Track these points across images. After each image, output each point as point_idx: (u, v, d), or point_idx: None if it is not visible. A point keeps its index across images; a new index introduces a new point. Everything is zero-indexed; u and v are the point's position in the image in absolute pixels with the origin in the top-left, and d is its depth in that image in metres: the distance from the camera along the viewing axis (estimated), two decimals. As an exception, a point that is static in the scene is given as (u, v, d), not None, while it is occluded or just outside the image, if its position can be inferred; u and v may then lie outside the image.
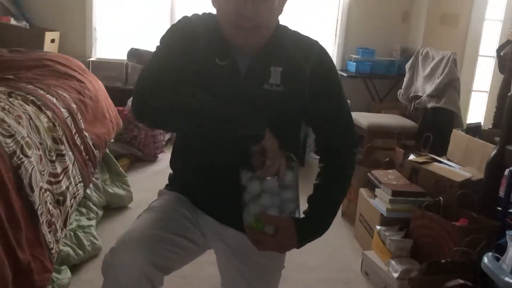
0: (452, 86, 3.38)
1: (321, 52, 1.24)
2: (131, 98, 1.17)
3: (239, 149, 1.11)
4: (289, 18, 4.39)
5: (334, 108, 1.25)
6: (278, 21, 1.22)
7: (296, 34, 1.26)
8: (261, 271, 1.29)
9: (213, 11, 1.22)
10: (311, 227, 1.21)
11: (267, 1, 1.11)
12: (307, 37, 1.26)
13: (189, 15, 1.25)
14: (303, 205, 1.22)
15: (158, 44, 1.21)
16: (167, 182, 1.40)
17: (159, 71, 1.13)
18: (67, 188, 1.96)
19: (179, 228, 1.20)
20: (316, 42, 1.25)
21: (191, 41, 1.18)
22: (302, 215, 1.22)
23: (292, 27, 1.27)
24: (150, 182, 3.07)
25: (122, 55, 4.11)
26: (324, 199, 1.24)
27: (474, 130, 2.70)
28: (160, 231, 1.14)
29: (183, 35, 1.19)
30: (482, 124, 3.02)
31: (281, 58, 1.19)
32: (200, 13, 1.26)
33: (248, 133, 1.08)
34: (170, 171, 1.41)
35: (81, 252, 2.07)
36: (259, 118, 1.09)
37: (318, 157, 1.32)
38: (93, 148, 2.33)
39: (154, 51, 1.20)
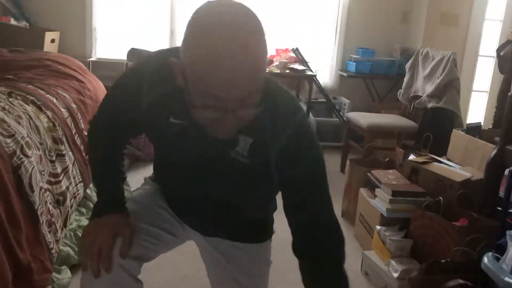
0: (452, 86, 3.37)
1: (301, 127, 1.02)
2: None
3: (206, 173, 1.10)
4: (289, 19, 4.43)
5: (308, 182, 1.05)
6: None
7: (278, 100, 1.01)
8: (246, 263, 1.32)
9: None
10: None
11: (252, 104, 0.89)
12: (291, 105, 1.03)
13: (147, 61, 1.09)
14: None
15: (112, 88, 1.19)
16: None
17: (103, 123, 1.21)
18: (67, 188, 1.96)
19: (155, 219, 1.22)
20: (299, 114, 1.02)
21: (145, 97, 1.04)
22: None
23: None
24: (150, 182, 3.06)
25: (122, 55, 4.11)
26: None
27: (474, 130, 2.70)
28: (135, 222, 1.16)
29: (134, 91, 1.06)
30: (482, 124, 3.02)
31: (253, 128, 0.98)
32: (160, 58, 1.02)
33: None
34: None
35: (81, 252, 2.07)
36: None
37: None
38: (93, 148, 2.33)
39: (107, 96, 1.22)
